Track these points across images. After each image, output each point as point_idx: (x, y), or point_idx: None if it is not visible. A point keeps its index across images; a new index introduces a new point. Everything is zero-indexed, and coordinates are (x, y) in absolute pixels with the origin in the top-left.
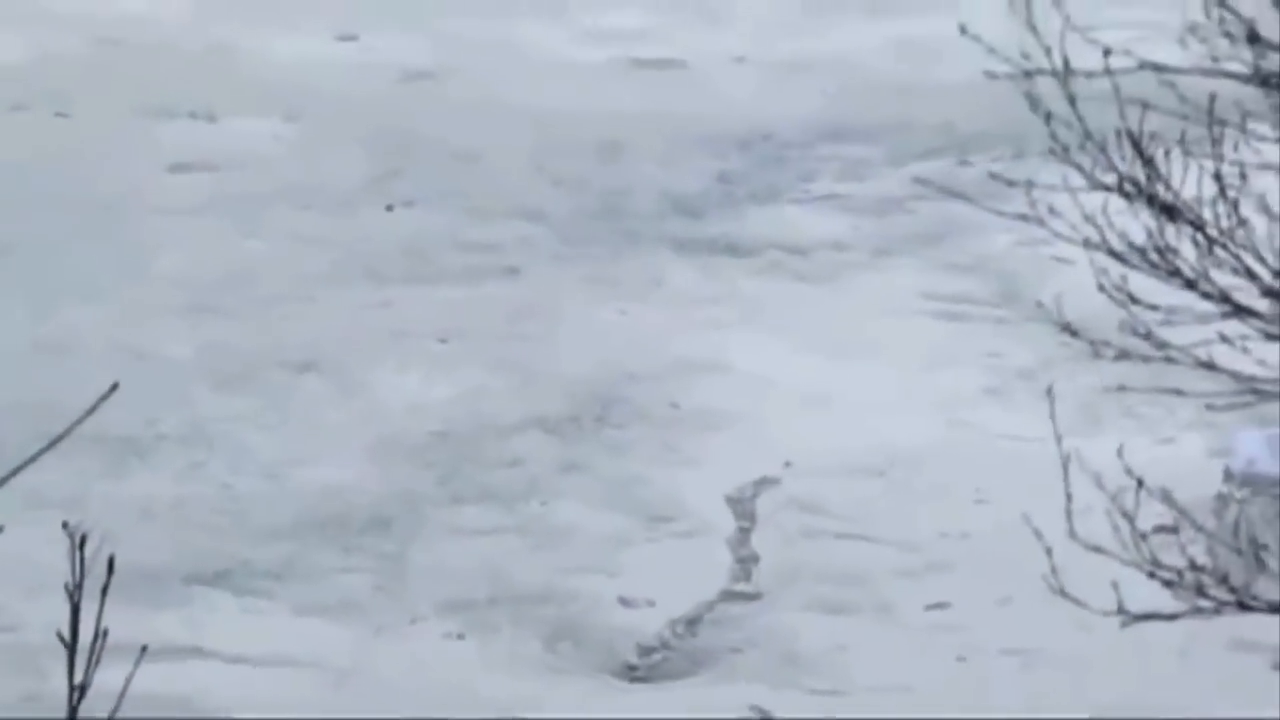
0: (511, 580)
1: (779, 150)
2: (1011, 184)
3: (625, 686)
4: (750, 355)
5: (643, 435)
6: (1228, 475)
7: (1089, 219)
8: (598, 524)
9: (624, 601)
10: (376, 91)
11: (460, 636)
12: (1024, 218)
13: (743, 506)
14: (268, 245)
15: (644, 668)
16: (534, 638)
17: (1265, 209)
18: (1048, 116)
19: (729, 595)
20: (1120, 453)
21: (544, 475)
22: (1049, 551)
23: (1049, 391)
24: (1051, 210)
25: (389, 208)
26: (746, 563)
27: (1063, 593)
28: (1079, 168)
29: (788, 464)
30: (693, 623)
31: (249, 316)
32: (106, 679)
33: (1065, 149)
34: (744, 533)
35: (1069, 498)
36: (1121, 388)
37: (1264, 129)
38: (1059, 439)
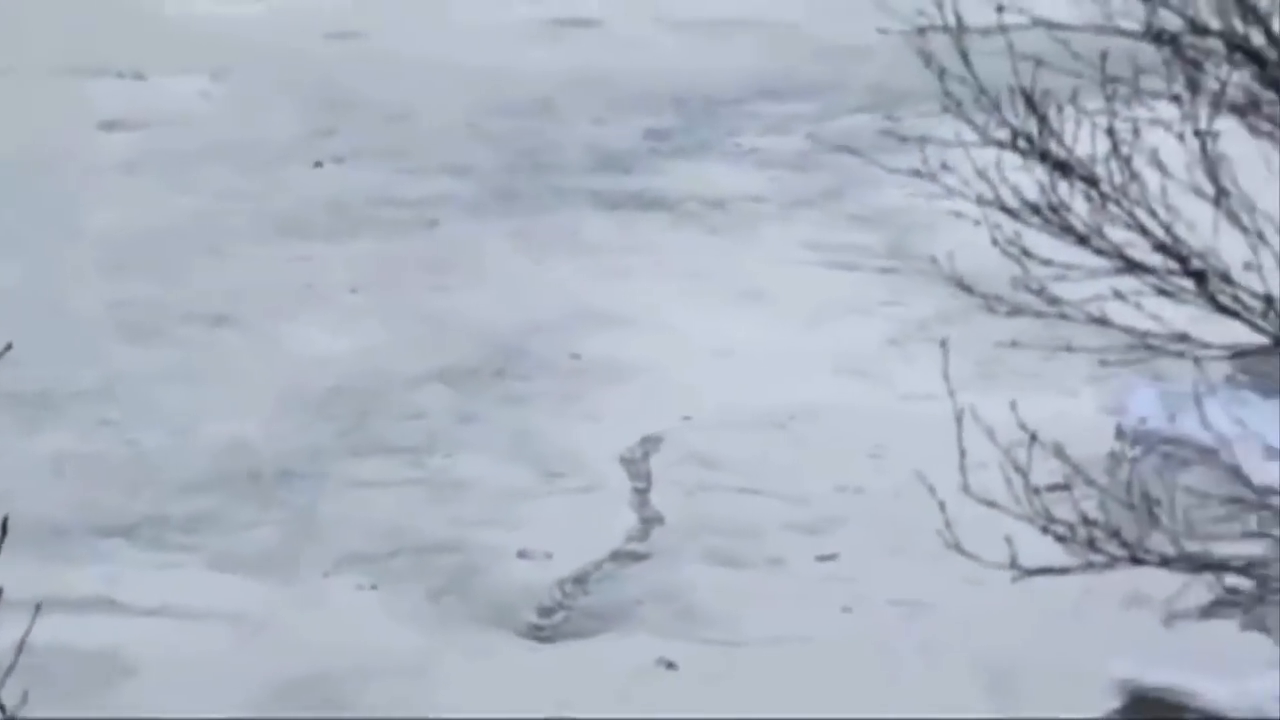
0: (418, 533)
1: (711, 108)
2: (905, 139)
3: (533, 645)
4: (656, 306)
5: (544, 388)
6: (1119, 433)
7: (982, 174)
8: (497, 477)
9: (523, 554)
10: (302, 50)
11: (374, 587)
12: (917, 173)
13: (636, 466)
14: (196, 201)
15: (548, 627)
16: (438, 591)
17: (1158, 165)
18: (941, 73)
19: (625, 551)
20: (1014, 408)
21: (445, 428)
22: (942, 506)
23: (943, 346)
24: (945, 166)
25: (318, 164)
26: (648, 522)
27: (957, 547)
28: (972, 123)
29: (686, 418)
30: (581, 580)
31: (167, 272)
32: (14, 636)
33: (959, 104)
34: (640, 491)
35: (963, 453)
36: (1015, 343)
37: (1156, 85)
38: (952, 394)
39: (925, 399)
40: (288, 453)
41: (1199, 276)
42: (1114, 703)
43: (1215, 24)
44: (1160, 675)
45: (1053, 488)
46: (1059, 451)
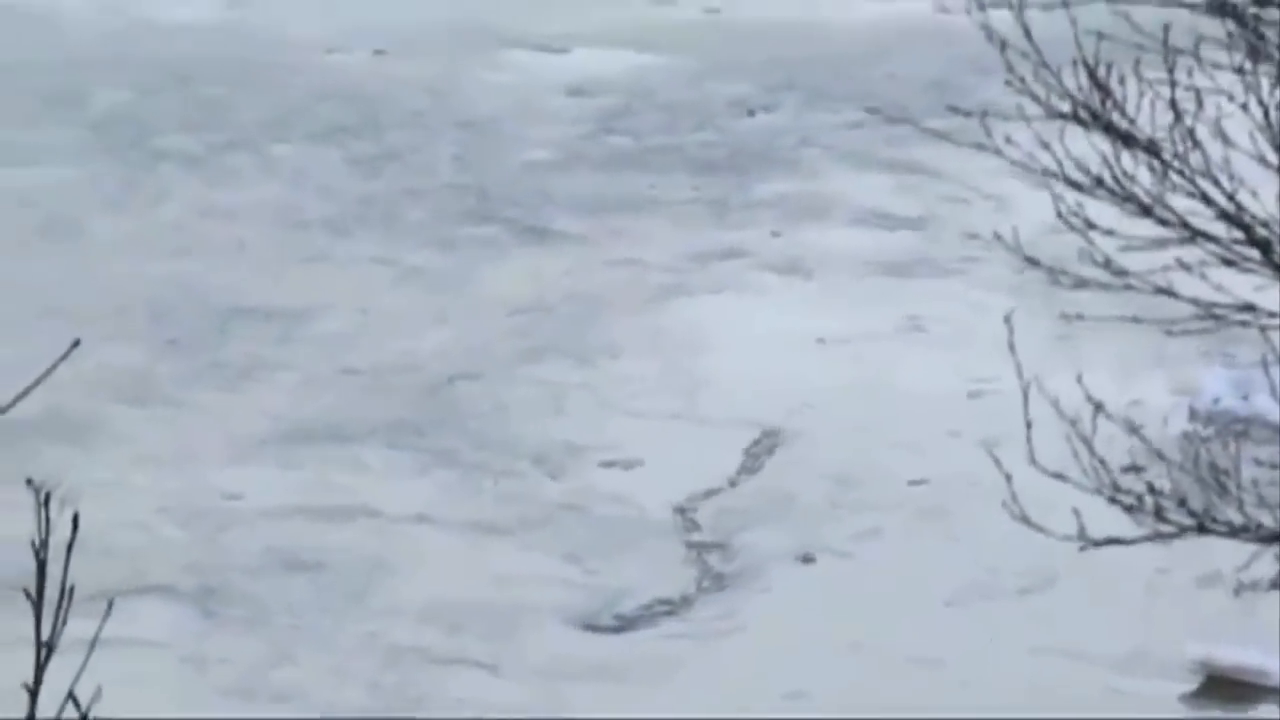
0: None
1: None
2: (968, 114)
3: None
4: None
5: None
6: (1193, 414)
7: (1045, 146)
8: (648, 399)
9: (606, 464)
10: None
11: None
12: (980, 146)
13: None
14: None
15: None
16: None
17: (1220, 134)
18: (1003, 46)
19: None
20: (1080, 380)
21: (619, 336)
22: (1008, 478)
23: (1007, 321)
24: (1008, 140)
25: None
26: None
27: (1025, 520)
28: (1034, 96)
29: (820, 339)
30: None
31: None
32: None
33: (1021, 79)
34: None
35: (1029, 425)
36: (1079, 316)
37: (1218, 55)
38: (1019, 368)
39: (994, 376)
40: (476, 360)
41: (1264, 245)
42: (1191, 684)
43: None
44: (1233, 654)
45: (1126, 469)
46: (1131, 428)
